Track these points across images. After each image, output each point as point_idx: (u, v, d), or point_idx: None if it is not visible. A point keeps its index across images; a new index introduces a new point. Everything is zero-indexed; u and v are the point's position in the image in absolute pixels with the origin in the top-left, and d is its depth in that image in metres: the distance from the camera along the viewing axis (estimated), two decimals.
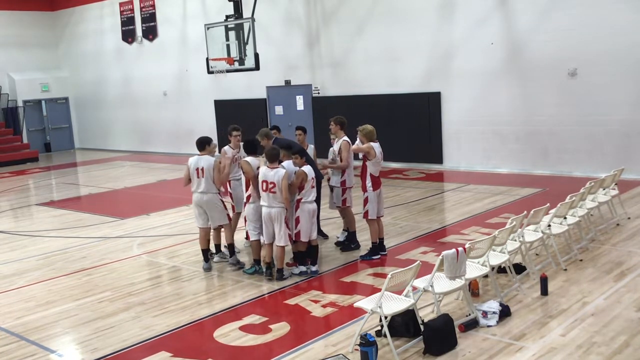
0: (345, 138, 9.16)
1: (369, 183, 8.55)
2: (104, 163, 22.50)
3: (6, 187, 18.29)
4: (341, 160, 9.10)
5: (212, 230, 8.87)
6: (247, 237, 8.58)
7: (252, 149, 8.40)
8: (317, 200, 8.58)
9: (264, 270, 8.31)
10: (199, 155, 8.62)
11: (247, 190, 8.32)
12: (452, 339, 5.90)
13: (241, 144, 9.11)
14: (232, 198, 9.26)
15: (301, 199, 8.09)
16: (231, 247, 8.87)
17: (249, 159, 8.23)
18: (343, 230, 9.67)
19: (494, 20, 14.88)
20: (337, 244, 9.56)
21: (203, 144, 8.67)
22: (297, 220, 8.11)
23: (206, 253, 8.86)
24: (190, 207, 12.99)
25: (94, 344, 6.58)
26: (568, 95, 14.00)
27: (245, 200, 8.38)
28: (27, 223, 13.19)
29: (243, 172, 8.27)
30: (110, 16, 24.79)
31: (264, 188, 7.90)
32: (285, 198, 7.81)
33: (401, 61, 16.59)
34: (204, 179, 8.50)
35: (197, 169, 8.52)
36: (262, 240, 8.25)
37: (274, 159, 7.94)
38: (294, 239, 8.17)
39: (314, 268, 8.35)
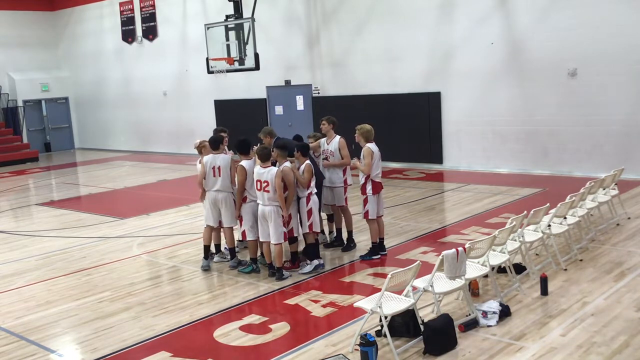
0: (339, 136, 9.21)
1: (369, 186, 8.54)
2: (104, 163, 22.51)
3: (6, 187, 18.29)
4: (342, 158, 9.12)
5: (212, 231, 8.87)
6: (243, 238, 8.57)
7: (246, 149, 8.41)
8: (318, 196, 8.63)
9: (268, 269, 8.33)
10: (213, 154, 8.62)
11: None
12: (452, 339, 5.90)
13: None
14: None
15: (311, 192, 8.20)
16: (232, 250, 8.86)
17: (244, 163, 8.23)
18: (336, 229, 9.63)
19: (494, 20, 14.88)
20: (330, 245, 9.59)
21: (217, 142, 8.68)
22: (310, 213, 8.19)
23: (208, 250, 8.86)
24: (191, 207, 13.11)
25: (94, 344, 6.58)
26: (568, 95, 14.00)
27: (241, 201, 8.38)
28: (27, 223, 13.19)
29: (237, 176, 8.30)
30: (110, 16, 24.79)
31: (258, 187, 7.95)
32: (279, 196, 7.85)
33: (401, 61, 16.59)
34: (220, 178, 8.50)
35: (214, 167, 8.51)
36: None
37: (265, 158, 7.99)
38: (303, 232, 8.33)
39: (322, 261, 8.51)
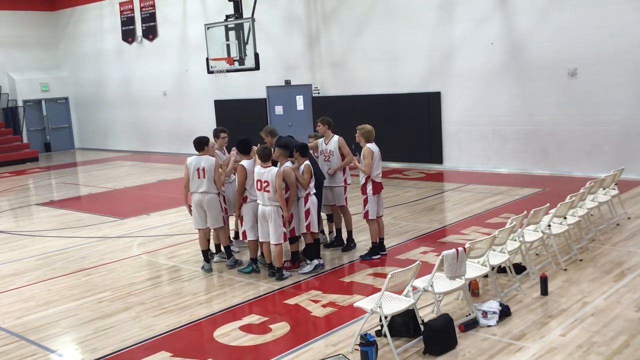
0: (338, 136, 9.23)
1: (369, 186, 8.54)
2: (104, 163, 22.51)
3: (6, 187, 18.29)
4: (343, 157, 9.13)
5: (212, 231, 8.86)
6: (243, 238, 8.57)
7: (246, 149, 8.40)
8: (318, 197, 8.63)
9: (268, 269, 8.33)
10: (198, 155, 8.60)
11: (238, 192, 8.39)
12: (452, 339, 5.90)
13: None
14: (224, 200, 9.10)
15: (309, 192, 8.21)
16: (227, 249, 8.86)
17: (244, 162, 8.22)
18: (336, 229, 9.62)
19: (494, 20, 14.88)
20: (330, 245, 9.59)
21: (202, 144, 8.61)
22: (308, 213, 8.19)
23: (206, 254, 8.85)
24: None
25: (94, 344, 6.58)
26: (568, 95, 14.00)
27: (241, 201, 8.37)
28: (27, 223, 13.19)
29: (237, 176, 8.29)
30: (110, 16, 24.79)
31: (259, 187, 7.94)
32: (280, 196, 7.83)
33: (401, 61, 16.59)
34: (205, 180, 8.47)
35: (198, 169, 8.47)
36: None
37: (266, 158, 7.97)
38: (302, 232, 8.32)
39: (322, 261, 8.49)
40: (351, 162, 9.04)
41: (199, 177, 8.48)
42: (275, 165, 8.08)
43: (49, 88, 26.61)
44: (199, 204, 8.58)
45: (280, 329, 6.63)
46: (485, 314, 6.35)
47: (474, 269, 6.64)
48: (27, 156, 24.11)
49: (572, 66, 13.82)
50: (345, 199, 9.30)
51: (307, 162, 8.27)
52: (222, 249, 9.12)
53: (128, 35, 24.19)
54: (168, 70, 22.92)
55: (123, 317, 7.27)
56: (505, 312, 6.46)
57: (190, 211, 8.76)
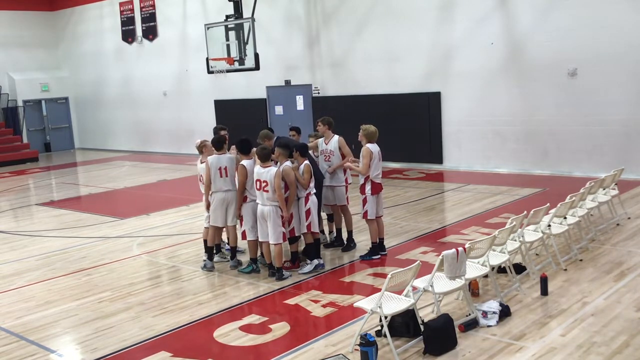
0: (338, 136, 9.23)
1: (368, 187, 8.54)
2: (104, 163, 22.51)
3: (6, 187, 18.29)
4: (344, 157, 9.13)
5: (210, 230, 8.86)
6: (243, 238, 8.57)
7: (247, 149, 8.41)
8: (318, 196, 8.63)
9: (268, 269, 8.33)
10: (217, 154, 8.61)
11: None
12: (452, 339, 5.90)
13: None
14: None
15: (310, 192, 8.22)
16: (234, 250, 8.86)
17: (245, 162, 8.24)
18: (336, 229, 9.61)
19: (494, 20, 14.88)
20: (330, 245, 9.58)
21: (221, 142, 8.66)
22: (308, 213, 8.20)
23: (212, 251, 8.85)
24: (191, 207, 13.11)
25: (94, 344, 6.58)
26: (568, 95, 14.00)
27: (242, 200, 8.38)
28: (27, 223, 13.19)
29: (238, 175, 8.30)
30: (110, 16, 24.79)
31: (258, 187, 7.95)
32: (279, 195, 7.84)
33: (401, 61, 16.59)
34: (228, 178, 8.51)
35: (220, 168, 8.50)
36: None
37: (265, 159, 7.98)
38: (303, 232, 8.33)
39: (322, 261, 8.49)
40: (350, 161, 9.04)
41: (221, 176, 8.51)
42: (276, 165, 8.09)
43: (49, 88, 26.61)
44: (224, 202, 8.58)
45: (280, 329, 6.63)
46: (485, 314, 6.35)
47: (474, 269, 6.64)
48: (27, 156, 24.11)
49: (572, 66, 13.82)
50: (347, 198, 9.30)
51: (307, 162, 8.27)
52: (224, 250, 9.14)
53: (128, 35, 24.19)
54: (168, 70, 22.92)
55: (123, 317, 7.27)
56: (505, 312, 6.46)
57: (207, 209, 8.76)
